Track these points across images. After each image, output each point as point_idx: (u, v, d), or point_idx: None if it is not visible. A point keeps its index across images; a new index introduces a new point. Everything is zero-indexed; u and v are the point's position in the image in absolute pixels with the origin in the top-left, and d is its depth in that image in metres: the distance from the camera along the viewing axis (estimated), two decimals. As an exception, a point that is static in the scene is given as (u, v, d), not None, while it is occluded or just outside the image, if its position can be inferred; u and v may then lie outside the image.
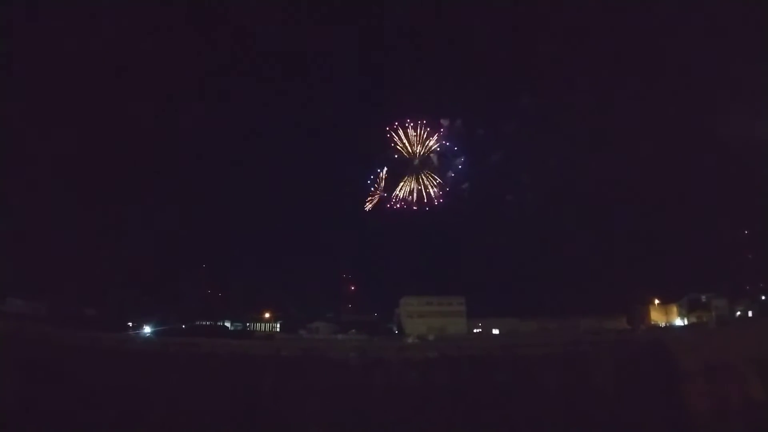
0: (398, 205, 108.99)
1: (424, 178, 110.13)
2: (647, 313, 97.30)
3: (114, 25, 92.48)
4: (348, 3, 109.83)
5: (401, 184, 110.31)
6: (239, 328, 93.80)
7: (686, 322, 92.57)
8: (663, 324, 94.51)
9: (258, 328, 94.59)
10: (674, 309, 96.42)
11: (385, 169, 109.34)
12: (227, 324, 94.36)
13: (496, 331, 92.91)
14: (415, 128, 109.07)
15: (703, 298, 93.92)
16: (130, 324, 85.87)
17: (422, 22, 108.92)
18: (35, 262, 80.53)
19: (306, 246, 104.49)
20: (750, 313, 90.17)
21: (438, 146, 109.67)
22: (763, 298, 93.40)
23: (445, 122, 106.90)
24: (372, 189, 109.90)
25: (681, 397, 50.06)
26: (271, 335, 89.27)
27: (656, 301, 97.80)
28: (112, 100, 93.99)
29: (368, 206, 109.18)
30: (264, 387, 52.70)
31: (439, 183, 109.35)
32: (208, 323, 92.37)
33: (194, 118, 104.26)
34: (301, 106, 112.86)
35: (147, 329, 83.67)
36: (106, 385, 51.93)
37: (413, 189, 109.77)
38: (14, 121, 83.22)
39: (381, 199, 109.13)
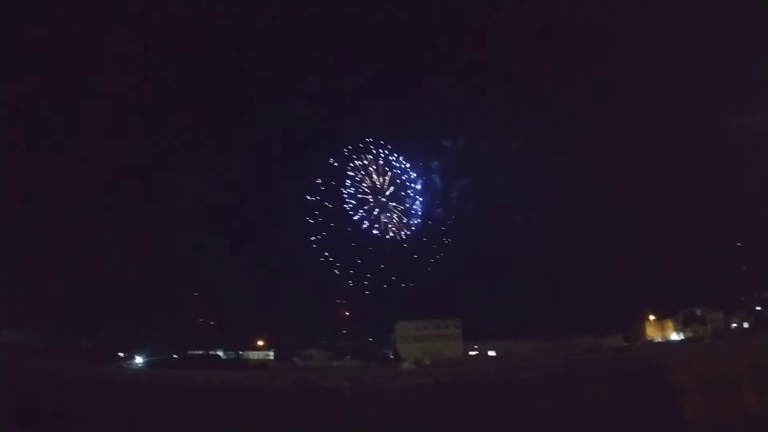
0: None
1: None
2: (643, 329, 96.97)
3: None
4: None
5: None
6: (232, 356, 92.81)
7: (682, 337, 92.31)
8: (659, 339, 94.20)
9: (251, 357, 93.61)
10: (670, 324, 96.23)
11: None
12: (219, 353, 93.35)
13: (492, 353, 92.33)
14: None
15: (698, 311, 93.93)
16: (122, 354, 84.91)
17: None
18: (30, 293, 79.82)
19: (299, 272, 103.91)
20: (746, 325, 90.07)
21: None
22: (758, 309, 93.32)
23: (444, 141, 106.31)
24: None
25: (680, 414, 49.51)
26: (264, 364, 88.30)
27: (651, 317, 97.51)
28: (101, 132, 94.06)
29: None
30: (258, 418, 51.89)
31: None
32: (200, 353, 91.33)
33: (181, 144, 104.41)
34: (295, 129, 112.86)
35: (138, 360, 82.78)
36: (99, 419, 51.03)
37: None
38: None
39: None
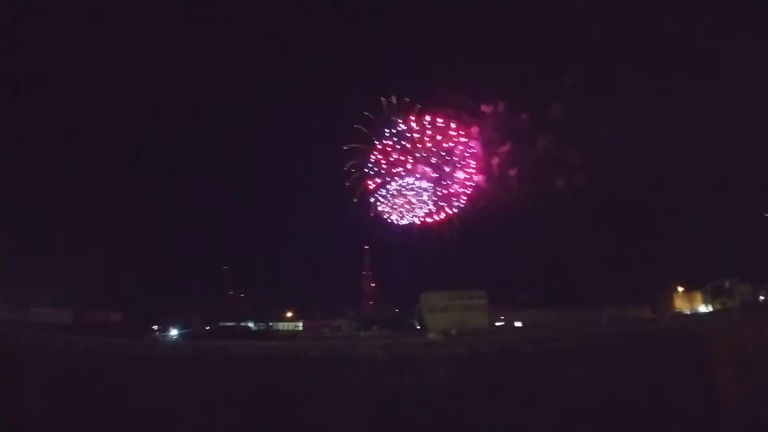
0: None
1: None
2: (671, 301, 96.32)
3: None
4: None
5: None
6: (262, 328, 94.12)
7: (710, 309, 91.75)
8: (687, 311, 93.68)
9: (281, 328, 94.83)
10: (698, 296, 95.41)
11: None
12: (250, 324, 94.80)
13: (518, 324, 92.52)
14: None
15: (727, 284, 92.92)
16: (156, 328, 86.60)
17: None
18: (59, 271, 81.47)
19: (326, 244, 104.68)
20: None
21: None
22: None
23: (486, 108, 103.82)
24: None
25: (711, 385, 49.77)
26: (293, 334, 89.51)
27: (680, 289, 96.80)
28: (133, 103, 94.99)
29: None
30: (293, 387, 52.88)
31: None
32: (231, 324, 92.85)
33: (205, 121, 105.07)
34: (320, 104, 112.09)
35: (173, 332, 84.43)
36: (137, 392, 52.34)
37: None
38: (29, 131, 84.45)
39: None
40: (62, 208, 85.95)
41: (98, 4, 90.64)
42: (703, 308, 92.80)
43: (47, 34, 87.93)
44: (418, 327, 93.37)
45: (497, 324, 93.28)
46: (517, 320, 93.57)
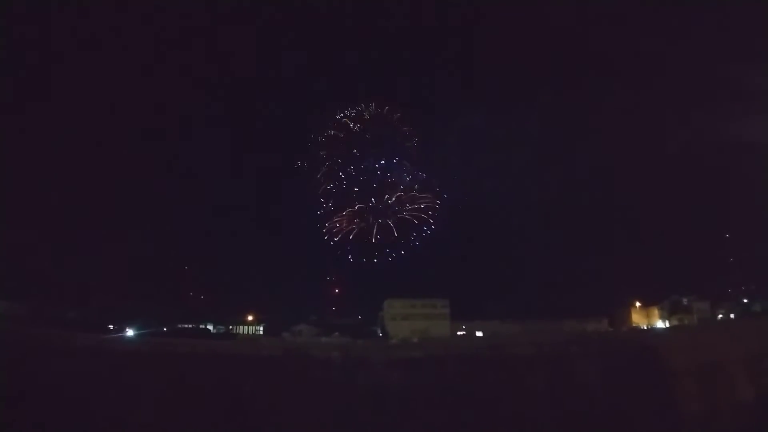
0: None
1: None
2: (629, 316, 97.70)
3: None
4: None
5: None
6: (222, 330, 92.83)
7: (667, 325, 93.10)
8: (645, 326, 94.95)
9: (241, 331, 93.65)
10: (656, 311, 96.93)
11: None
12: (209, 327, 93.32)
13: (479, 334, 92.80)
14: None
15: (685, 300, 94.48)
16: (111, 327, 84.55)
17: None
18: (15, 263, 79.30)
19: (289, 248, 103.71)
20: (732, 316, 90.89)
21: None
22: (745, 301, 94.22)
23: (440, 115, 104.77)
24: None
25: (671, 396, 49.92)
26: (254, 338, 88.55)
27: (638, 304, 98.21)
28: (95, 98, 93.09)
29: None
30: (245, 387, 51.62)
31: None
32: (190, 326, 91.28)
33: (171, 119, 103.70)
34: (287, 107, 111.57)
35: (129, 332, 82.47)
36: (80, 385, 50.66)
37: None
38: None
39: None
40: (20, 202, 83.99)
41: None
42: (660, 324, 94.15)
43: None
44: (380, 334, 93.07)
45: (459, 333, 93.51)
46: (478, 330, 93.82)
